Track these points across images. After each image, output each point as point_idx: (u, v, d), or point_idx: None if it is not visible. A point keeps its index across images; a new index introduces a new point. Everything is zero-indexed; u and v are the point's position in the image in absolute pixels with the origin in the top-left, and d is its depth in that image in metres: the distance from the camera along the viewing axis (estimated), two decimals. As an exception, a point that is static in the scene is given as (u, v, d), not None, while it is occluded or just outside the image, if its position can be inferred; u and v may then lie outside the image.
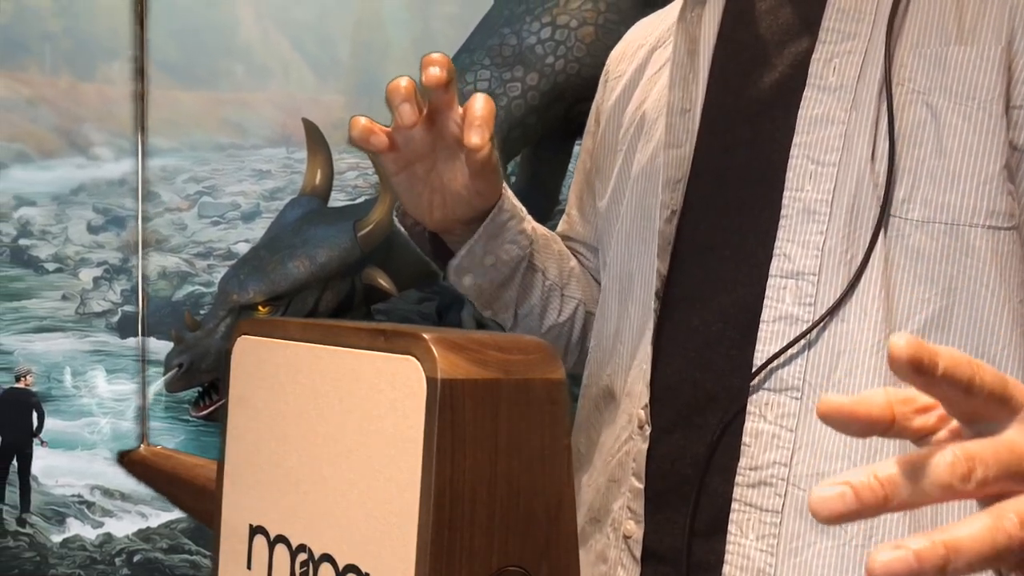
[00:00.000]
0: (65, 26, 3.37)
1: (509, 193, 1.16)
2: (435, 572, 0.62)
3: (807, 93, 1.07)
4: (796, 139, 1.06)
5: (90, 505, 3.38)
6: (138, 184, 1.10)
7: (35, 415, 3.36)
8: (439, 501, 0.62)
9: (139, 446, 0.97)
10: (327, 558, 0.69)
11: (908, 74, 1.03)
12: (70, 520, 3.36)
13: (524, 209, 1.21)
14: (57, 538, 3.37)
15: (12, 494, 3.35)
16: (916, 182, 1.02)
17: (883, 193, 1.01)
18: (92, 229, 3.45)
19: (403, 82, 0.98)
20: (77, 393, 3.35)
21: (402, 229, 1.22)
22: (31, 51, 3.42)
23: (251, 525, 0.76)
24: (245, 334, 0.78)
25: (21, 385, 3.38)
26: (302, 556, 0.71)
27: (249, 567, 0.76)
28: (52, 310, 3.44)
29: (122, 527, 3.38)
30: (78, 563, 3.37)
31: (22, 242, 3.46)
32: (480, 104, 0.98)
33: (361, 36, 3.52)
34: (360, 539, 0.66)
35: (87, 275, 3.46)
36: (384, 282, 2.65)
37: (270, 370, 0.75)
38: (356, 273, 2.66)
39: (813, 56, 1.08)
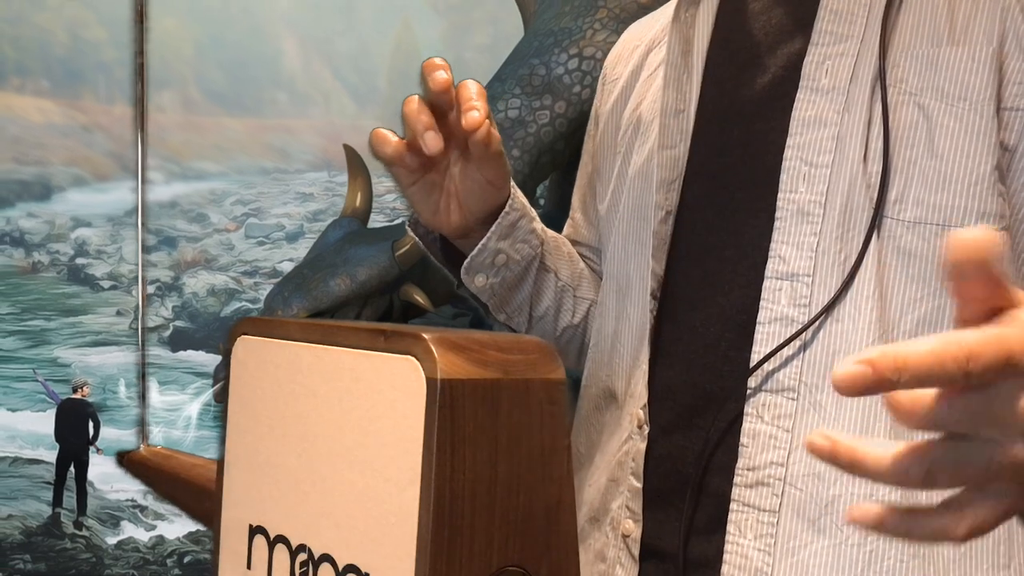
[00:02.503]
0: (119, 57, 3.37)
1: (518, 192, 1.12)
2: (435, 572, 0.58)
3: (800, 95, 1.03)
4: (789, 141, 1.02)
5: (143, 509, 3.37)
6: (138, 182, 1.07)
7: (91, 424, 3.36)
8: (439, 501, 0.58)
9: (139, 446, 0.94)
10: (327, 558, 0.65)
11: (900, 75, 0.99)
12: (124, 523, 3.36)
13: (533, 209, 1.17)
14: (112, 540, 3.36)
15: (69, 499, 3.35)
16: (908, 183, 0.97)
17: (876, 194, 0.97)
18: (145, 249, 3.44)
19: (424, 114, 0.95)
20: (131, 404, 3.35)
21: (415, 237, 1.18)
22: (87, 80, 3.43)
23: (251, 525, 0.72)
24: (245, 334, 0.74)
25: (78, 396, 3.38)
26: (302, 556, 0.67)
27: (249, 567, 0.72)
28: (107, 325, 3.44)
29: (173, 530, 3.37)
30: (132, 564, 3.35)
31: (79, 261, 3.46)
32: (470, 87, 0.95)
33: (398, 66, 3.51)
34: (360, 539, 0.63)
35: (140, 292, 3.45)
36: (420, 298, 2.63)
37: (270, 370, 0.71)
38: (394, 290, 2.64)
39: (806, 58, 1.03)
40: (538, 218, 1.18)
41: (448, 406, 0.58)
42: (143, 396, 1.02)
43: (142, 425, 0.99)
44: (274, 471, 0.70)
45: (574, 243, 1.37)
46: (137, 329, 3.51)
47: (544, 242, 1.18)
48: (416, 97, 0.96)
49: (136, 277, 3.49)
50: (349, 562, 0.63)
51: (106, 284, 3.43)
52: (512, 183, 1.10)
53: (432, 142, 0.95)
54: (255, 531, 0.71)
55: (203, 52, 3.39)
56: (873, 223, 0.97)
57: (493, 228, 1.09)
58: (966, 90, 0.96)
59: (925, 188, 0.96)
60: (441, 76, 0.93)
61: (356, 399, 0.63)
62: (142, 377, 1.04)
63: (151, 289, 3.42)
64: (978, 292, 0.51)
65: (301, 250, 3.25)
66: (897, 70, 0.99)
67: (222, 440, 0.75)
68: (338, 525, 0.64)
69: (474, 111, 0.93)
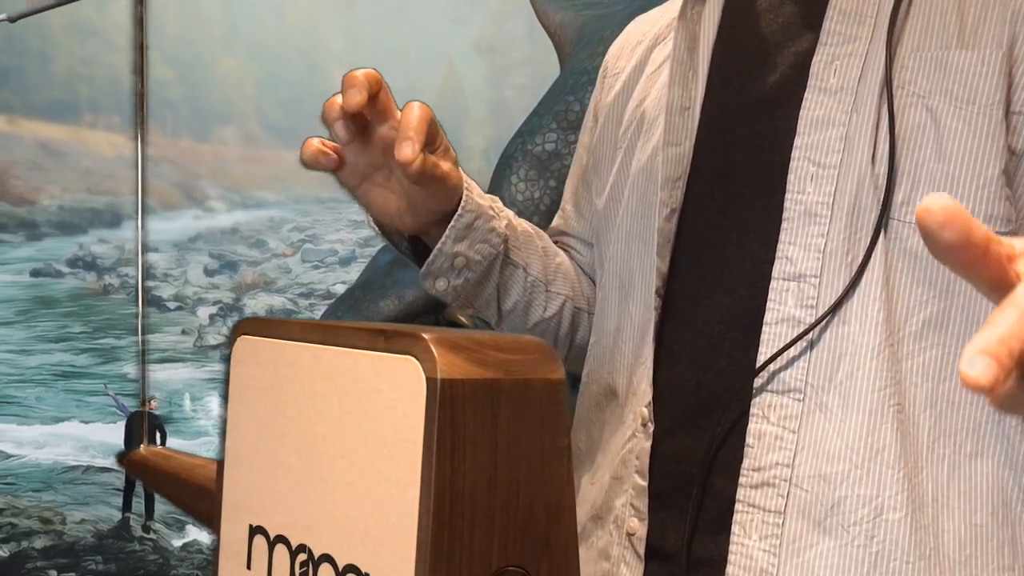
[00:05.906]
0: (185, 95, 3.39)
1: (475, 193, 1.02)
2: (435, 572, 0.53)
3: (808, 95, 0.95)
4: (797, 141, 0.95)
5: (206, 514, 3.37)
6: (137, 188, 1.03)
7: (158, 436, 3.37)
8: (439, 501, 0.53)
9: (139, 446, 0.90)
10: (327, 558, 0.61)
11: (909, 77, 0.92)
12: (189, 527, 3.35)
13: (498, 206, 1.08)
14: (177, 543, 3.35)
15: (138, 504, 3.36)
16: (915, 185, 0.91)
17: (883, 196, 0.91)
18: (208, 272, 3.46)
19: (338, 100, 0.89)
20: (195, 416, 3.35)
21: (376, 231, 1.10)
22: (155, 116, 3.45)
23: (251, 525, 0.68)
24: (245, 334, 0.70)
25: (146, 409, 3.39)
26: (302, 556, 0.62)
27: (249, 567, 0.67)
28: (173, 343, 3.45)
29: (235, 534, 3.37)
30: (196, 565, 3.34)
31: (147, 283, 3.48)
32: (412, 115, 0.87)
33: (444, 103, 3.50)
34: (360, 539, 0.58)
35: (204, 313, 3.47)
36: (464, 318, 2.61)
37: (270, 370, 0.67)
38: (440, 310, 2.63)
39: (814, 58, 0.97)
40: (502, 214, 1.09)
41: (448, 406, 0.54)
42: (144, 399, 0.98)
43: (142, 424, 0.95)
44: (274, 471, 0.66)
45: (563, 234, 1.29)
46: (201, 347, 3.51)
47: (509, 238, 1.10)
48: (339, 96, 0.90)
49: (200, 299, 3.49)
50: (349, 562, 0.59)
51: (172, 305, 3.45)
52: (466, 180, 1.01)
53: (341, 131, 0.89)
54: (255, 531, 0.67)
55: (262, 90, 3.41)
56: (880, 224, 0.91)
57: (447, 232, 1.00)
58: (975, 93, 0.90)
59: (932, 190, 0.90)
60: (353, 98, 0.86)
61: (356, 399, 0.59)
62: (142, 381, 1.00)
63: (214, 310, 3.43)
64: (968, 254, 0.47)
65: (353, 273, 3.25)
66: (905, 72, 0.93)
67: (222, 440, 0.71)
68: (338, 525, 0.60)
69: (407, 146, 0.86)
